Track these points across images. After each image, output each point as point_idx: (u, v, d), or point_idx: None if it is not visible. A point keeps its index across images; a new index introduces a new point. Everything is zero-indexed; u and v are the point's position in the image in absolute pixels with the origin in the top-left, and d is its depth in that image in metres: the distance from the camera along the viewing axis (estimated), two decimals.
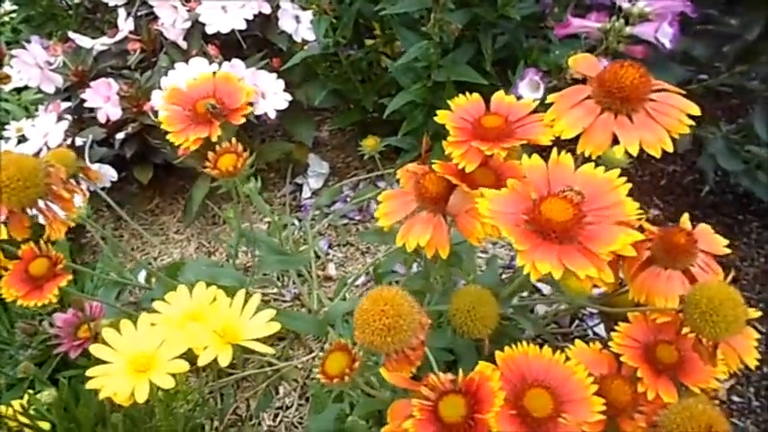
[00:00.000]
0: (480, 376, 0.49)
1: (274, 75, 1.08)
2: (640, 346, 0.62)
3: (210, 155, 0.63)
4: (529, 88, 0.80)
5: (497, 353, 0.52)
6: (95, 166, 1.00)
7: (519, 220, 0.48)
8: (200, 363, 0.53)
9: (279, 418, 0.86)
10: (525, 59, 0.93)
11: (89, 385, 0.50)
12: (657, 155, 0.53)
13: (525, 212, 0.48)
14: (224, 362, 0.53)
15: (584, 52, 0.81)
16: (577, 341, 0.63)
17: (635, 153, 0.52)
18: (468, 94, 0.62)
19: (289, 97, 1.07)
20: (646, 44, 0.74)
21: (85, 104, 1.04)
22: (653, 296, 0.63)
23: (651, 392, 0.58)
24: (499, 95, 0.62)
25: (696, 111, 0.54)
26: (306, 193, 1.21)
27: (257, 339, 0.56)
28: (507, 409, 0.49)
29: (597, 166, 0.54)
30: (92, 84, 1.04)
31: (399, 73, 0.97)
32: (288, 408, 0.87)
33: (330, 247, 1.09)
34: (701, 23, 1.23)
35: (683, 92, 0.56)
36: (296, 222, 1.15)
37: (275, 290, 1.01)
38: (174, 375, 0.73)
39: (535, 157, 0.52)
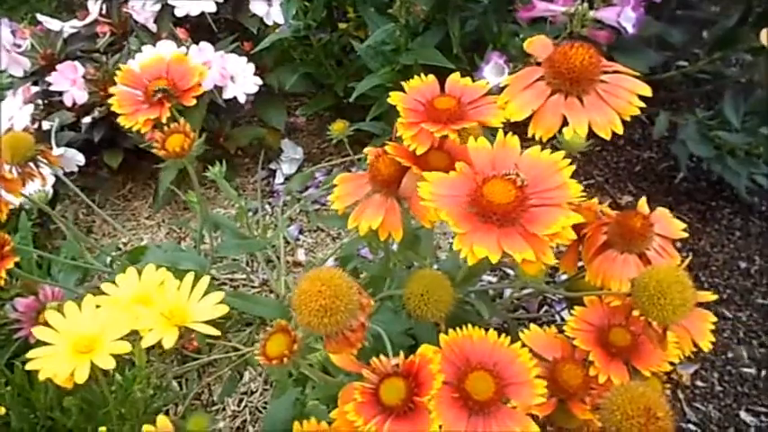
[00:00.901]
0: (421, 359, 0.48)
1: (244, 58, 1.07)
2: (595, 330, 0.62)
3: (158, 135, 0.62)
4: (493, 72, 0.80)
5: (441, 336, 0.51)
6: (61, 150, 0.99)
7: (462, 202, 0.47)
8: (144, 344, 0.53)
9: (243, 404, 0.86)
10: (495, 43, 0.92)
11: (29, 366, 0.50)
12: (607, 137, 0.52)
13: (468, 195, 0.47)
14: (168, 344, 0.53)
15: (551, 37, 0.81)
16: (532, 325, 0.63)
17: (583, 134, 0.52)
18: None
19: (259, 81, 1.06)
20: (610, 29, 0.73)
21: (51, 88, 1.03)
22: (608, 280, 0.63)
23: (603, 376, 0.58)
24: (454, 77, 0.61)
25: (647, 92, 0.53)
26: (279, 178, 1.20)
27: (206, 322, 0.56)
28: (450, 392, 0.49)
29: (555, 149, 0.53)
30: (58, 67, 1.03)
31: (368, 56, 0.96)
32: (252, 393, 0.87)
33: (301, 232, 1.09)
34: (678, 9, 1.23)
35: (637, 73, 0.55)
36: (268, 208, 1.14)
37: (244, 276, 1.01)
38: (129, 359, 0.72)
39: (481, 139, 0.51)
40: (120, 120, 0.64)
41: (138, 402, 0.73)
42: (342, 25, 1.15)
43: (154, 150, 0.61)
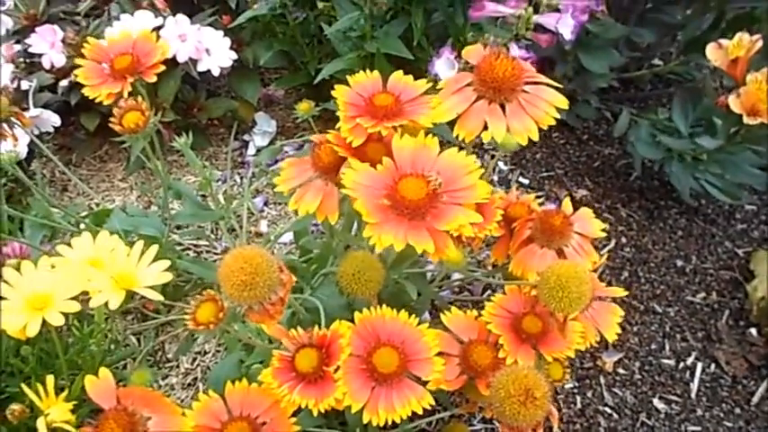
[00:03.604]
0: (333, 333, 0.54)
1: (221, 32, 1.10)
2: (511, 317, 0.67)
3: (115, 110, 0.66)
4: (445, 66, 0.84)
5: (356, 314, 0.57)
6: (37, 112, 1.02)
7: (379, 194, 0.52)
8: (92, 305, 0.58)
9: (196, 362, 0.92)
10: (458, 37, 0.96)
11: None
12: (524, 143, 0.57)
13: (386, 188, 0.52)
14: (113, 305, 0.58)
15: (510, 37, 0.85)
16: (453, 308, 0.69)
17: (500, 140, 0.57)
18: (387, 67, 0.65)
19: (234, 55, 1.10)
20: (551, 33, 0.78)
21: (30, 50, 1.06)
22: (527, 271, 0.69)
23: (510, 358, 0.64)
24: (397, 75, 0.65)
25: (564, 104, 0.58)
26: (251, 150, 1.24)
27: (151, 287, 0.61)
28: (359, 363, 0.55)
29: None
30: (37, 29, 1.06)
31: (337, 40, 1.00)
32: (206, 353, 0.93)
33: (266, 204, 1.14)
34: (648, 12, 1.27)
35: (559, 85, 0.59)
36: (237, 179, 1.19)
37: (207, 243, 1.06)
38: (91, 314, 0.78)
39: (406, 137, 0.56)
40: (84, 91, 0.69)
41: (94, 355, 0.79)
42: (320, 5, 1.18)
43: (111, 125, 0.65)
